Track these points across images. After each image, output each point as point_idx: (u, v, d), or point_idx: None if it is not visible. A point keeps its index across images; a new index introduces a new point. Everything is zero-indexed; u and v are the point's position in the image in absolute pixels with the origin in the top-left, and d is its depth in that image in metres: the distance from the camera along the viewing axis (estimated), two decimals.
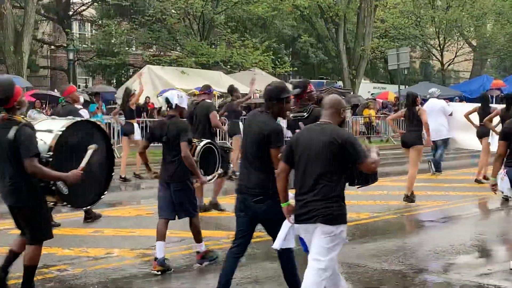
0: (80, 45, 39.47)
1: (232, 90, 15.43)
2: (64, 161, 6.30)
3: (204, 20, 34.26)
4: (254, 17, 36.21)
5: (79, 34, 42.77)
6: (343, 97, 32.43)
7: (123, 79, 37.99)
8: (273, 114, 5.93)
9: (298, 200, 5.31)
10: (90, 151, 6.33)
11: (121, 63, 35.66)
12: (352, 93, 35.11)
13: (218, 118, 11.22)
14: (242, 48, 33.20)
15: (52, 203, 6.56)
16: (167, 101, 7.58)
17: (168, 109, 7.65)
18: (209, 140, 8.81)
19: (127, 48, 37.24)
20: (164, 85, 27.09)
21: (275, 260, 7.97)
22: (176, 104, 7.56)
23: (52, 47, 41.98)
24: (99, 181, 6.84)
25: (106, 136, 7.13)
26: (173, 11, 33.72)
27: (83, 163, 6.21)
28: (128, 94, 15.83)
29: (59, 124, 6.60)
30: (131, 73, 37.48)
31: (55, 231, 8.81)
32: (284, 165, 5.41)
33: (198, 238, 7.68)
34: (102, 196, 6.94)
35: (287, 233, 5.49)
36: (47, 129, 6.45)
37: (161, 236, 7.42)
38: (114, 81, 39.95)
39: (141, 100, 23.30)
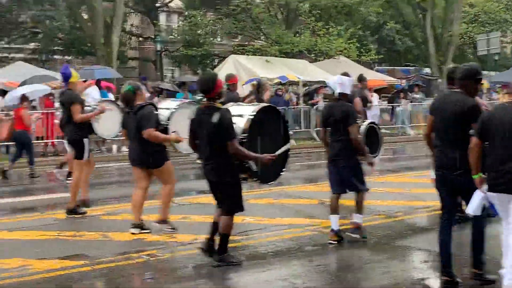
0: (167, 36, 40.18)
1: (362, 79, 15.59)
2: (253, 142, 7.19)
3: (289, 9, 34.21)
4: (339, 5, 35.90)
5: (166, 25, 43.52)
6: (424, 86, 31.91)
7: (208, 69, 38.47)
8: (467, 93, 6.23)
9: (493, 171, 5.72)
10: (286, 147, 7.44)
11: (206, 53, 36.08)
12: (439, 80, 34.35)
13: None
14: (326, 36, 33.00)
15: (243, 179, 7.37)
16: (331, 89, 8.32)
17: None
18: (372, 121, 9.44)
19: (212, 39, 37.63)
20: (249, 74, 27.22)
21: (359, 248, 7.97)
22: (339, 92, 8.18)
23: (140, 38, 42.91)
24: (279, 160, 7.51)
25: (284, 119, 7.90)
26: (257, 0, 33.84)
27: (277, 153, 7.20)
28: (260, 85, 16.06)
29: (248, 109, 7.45)
30: (216, 63, 37.89)
31: (146, 217, 9.10)
32: (477, 140, 5.87)
33: (359, 211, 8.26)
34: (281, 173, 7.75)
35: (479, 202, 5.90)
36: (238, 114, 7.25)
37: (334, 210, 8.18)
38: (200, 71, 40.52)
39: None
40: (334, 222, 8.12)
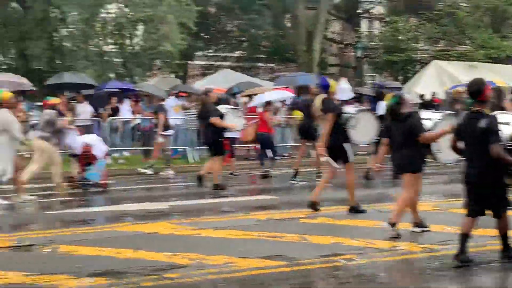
0: (368, 42, 40.07)
1: None
2: None
3: (496, 12, 32.73)
4: None
5: (367, 31, 43.41)
6: None
7: (409, 75, 37.87)
8: None
9: None
10: None
11: (408, 59, 35.52)
12: None
13: None
14: None
15: (509, 185, 7.44)
16: None
17: None
18: None
19: (414, 44, 36.96)
20: (452, 80, 26.44)
21: None
22: None
23: (341, 45, 43.18)
24: None
25: None
26: (462, 4, 32.75)
27: None
28: (500, 91, 15.73)
29: None
30: (417, 69, 37.21)
31: (336, 221, 9.15)
32: None
33: None
34: None
35: None
36: (504, 122, 7.41)
37: None
38: (401, 77, 39.97)
39: (428, 96, 23.02)
40: None
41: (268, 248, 8.31)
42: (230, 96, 22.67)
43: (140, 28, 26.89)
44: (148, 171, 17.09)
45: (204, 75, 36.00)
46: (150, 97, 21.98)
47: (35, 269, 7.18)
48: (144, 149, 18.53)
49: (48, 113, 13.79)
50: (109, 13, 26.41)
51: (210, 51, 37.58)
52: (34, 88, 23.01)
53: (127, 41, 27.04)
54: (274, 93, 21.15)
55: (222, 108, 14.63)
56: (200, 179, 13.92)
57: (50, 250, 8.20)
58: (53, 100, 14.51)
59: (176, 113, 19.71)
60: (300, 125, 15.87)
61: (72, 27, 25.10)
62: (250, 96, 22.65)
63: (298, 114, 18.09)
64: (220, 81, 26.79)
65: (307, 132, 14.82)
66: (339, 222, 10.00)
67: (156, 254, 7.91)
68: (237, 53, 38.78)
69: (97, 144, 14.50)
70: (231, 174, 16.65)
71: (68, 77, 21.46)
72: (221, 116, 13.91)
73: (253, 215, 10.89)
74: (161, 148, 17.38)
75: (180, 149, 19.46)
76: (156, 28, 25.53)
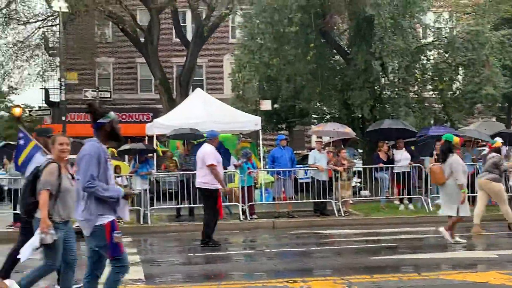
0: None
1: None
2: None
3: None
4: None
5: None
6: None
7: None
8: None
9: None
10: None
11: None
12: None
13: None
14: None
15: None
16: None
17: None
18: None
19: None
20: None
21: None
22: None
23: None
24: None
25: None
26: None
27: None
28: None
29: None
30: None
31: None
32: None
33: None
34: None
35: None
36: None
37: None
38: None
39: None
40: None
41: None
42: None
43: (461, 72, 26.34)
44: None
45: None
46: (472, 142, 21.33)
47: None
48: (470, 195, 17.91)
49: (494, 155, 14.88)
50: (428, 59, 26.33)
51: None
52: (356, 137, 23.78)
53: (447, 86, 26.61)
54: None
55: None
56: None
57: None
58: (497, 143, 15.59)
59: None
60: None
61: (392, 76, 25.49)
62: None
63: None
64: None
65: None
66: None
67: None
68: None
69: None
70: None
71: (387, 124, 21.63)
72: None
73: None
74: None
75: None
76: (477, 72, 24.80)
